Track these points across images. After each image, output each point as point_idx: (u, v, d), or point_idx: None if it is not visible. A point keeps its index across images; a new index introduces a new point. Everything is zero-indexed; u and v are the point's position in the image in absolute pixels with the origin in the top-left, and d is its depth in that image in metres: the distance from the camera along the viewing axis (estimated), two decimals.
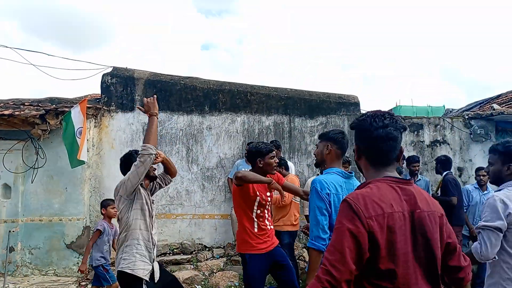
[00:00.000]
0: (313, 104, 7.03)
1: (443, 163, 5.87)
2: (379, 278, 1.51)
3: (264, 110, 6.94)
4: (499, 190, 2.55)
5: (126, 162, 3.22)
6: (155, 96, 3.14)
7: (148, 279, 3.08)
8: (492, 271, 2.45)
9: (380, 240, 1.49)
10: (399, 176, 1.66)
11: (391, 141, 1.66)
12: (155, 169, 3.34)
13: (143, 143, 2.98)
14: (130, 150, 3.42)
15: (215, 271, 5.99)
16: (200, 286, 5.74)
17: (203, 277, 5.89)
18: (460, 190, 5.58)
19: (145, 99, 3.11)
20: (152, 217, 3.19)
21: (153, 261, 3.17)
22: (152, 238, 3.15)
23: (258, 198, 3.40)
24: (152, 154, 2.93)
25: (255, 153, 3.47)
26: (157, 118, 3.11)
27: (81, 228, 6.27)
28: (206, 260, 6.28)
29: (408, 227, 1.55)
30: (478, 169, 5.79)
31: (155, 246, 3.23)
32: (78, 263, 6.21)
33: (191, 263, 6.20)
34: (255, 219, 3.42)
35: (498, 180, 2.58)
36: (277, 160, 3.64)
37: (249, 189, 3.38)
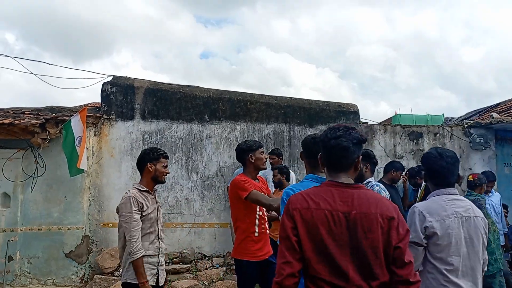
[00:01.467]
0: (313, 112, 7.05)
1: (419, 173, 5.76)
2: (309, 265, 1.72)
3: (264, 119, 6.95)
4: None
5: (140, 158, 3.24)
6: None
7: (154, 283, 3.06)
8: None
9: (300, 229, 1.73)
10: (345, 182, 1.82)
11: (342, 151, 1.83)
12: (168, 173, 3.30)
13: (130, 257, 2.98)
14: (149, 148, 3.32)
15: (214, 280, 5.96)
16: None
17: (203, 287, 5.86)
18: None
19: None
20: (158, 222, 3.18)
21: (159, 265, 3.14)
22: (159, 241, 3.15)
23: None
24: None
25: (246, 149, 3.48)
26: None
27: (80, 237, 6.25)
28: (206, 269, 6.25)
29: (339, 225, 1.71)
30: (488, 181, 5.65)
31: (162, 251, 3.19)
32: (77, 272, 6.18)
33: (191, 272, 6.16)
34: (257, 222, 3.41)
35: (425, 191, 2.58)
36: (267, 156, 3.67)
37: None
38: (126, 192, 3.11)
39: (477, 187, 4.72)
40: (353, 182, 1.85)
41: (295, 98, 7.24)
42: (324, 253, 1.71)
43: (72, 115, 6.05)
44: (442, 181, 2.45)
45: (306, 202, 1.77)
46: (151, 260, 3.06)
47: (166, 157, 3.26)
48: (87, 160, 6.21)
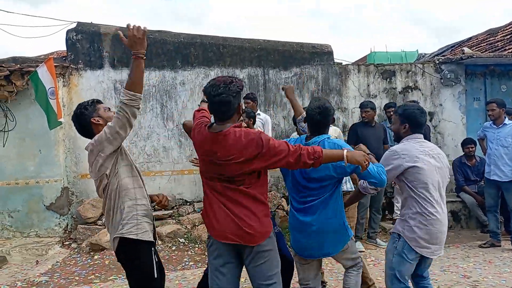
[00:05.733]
0: (287, 55, 6.96)
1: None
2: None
3: (238, 63, 6.84)
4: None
5: (80, 120, 2.71)
6: (145, 27, 2.41)
7: (153, 240, 2.71)
8: (403, 204, 2.94)
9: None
10: (219, 129, 2.36)
11: (225, 105, 2.31)
12: (112, 114, 2.74)
13: (127, 89, 2.46)
14: (78, 107, 2.75)
15: (197, 224, 6.14)
16: (183, 239, 5.90)
17: (186, 231, 6.04)
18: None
19: (130, 26, 2.40)
20: (140, 173, 2.84)
21: (154, 219, 2.80)
22: (148, 195, 2.80)
23: None
24: (139, 106, 2.51)
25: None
26: (143, 60, 2.43)
27: (59, 190, 6.25)
28: (188, 214, 6.41)
29: (209, 159, 2.43)
30: (487, 103, 5.74)
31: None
32: (59, 223, 6.26)
33: (173, 218, 6.32)
34: None
35: (398, 138, 3.03)
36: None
37: None
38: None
39: None
40: (225, 129, 2.34)
41: (269, 41, 7.10)
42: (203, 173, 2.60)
43: (38, 66, 5.81)
44: (420, 130, 2.98)
45: (199, 139, 2.53)
46: (149, 213, 2.72)
47: (100, 102, 2.82)
48: None
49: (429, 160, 2.83)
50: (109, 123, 2.53)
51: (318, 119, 2.82)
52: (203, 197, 2.63)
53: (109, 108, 2.82)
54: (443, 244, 2.87)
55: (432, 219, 2.76)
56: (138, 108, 2.51)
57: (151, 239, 2.67)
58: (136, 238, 2.59)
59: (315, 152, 2.35)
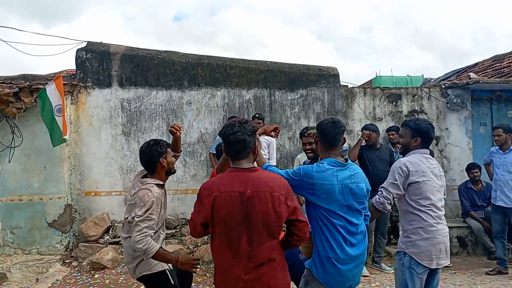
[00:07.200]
0: (293, 76, 7.01)
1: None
2: (214, 237, 2.31)
3: (244, 84, 6.89)
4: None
5: (151, 153, 2.94)
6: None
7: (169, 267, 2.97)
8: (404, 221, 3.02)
9: (208, 211, 2.25)
10: (242, 167, 2.29)
11: (239, 143, 2.28)
12: (175, 161, 3.11)
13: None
14: (153, 142, 3.00)
15: (199, 244, 6.08)
16: None
17: (188, 251, 5.97)
18: None
19: None
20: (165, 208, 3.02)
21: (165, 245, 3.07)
22: (164, 233, 3.05)
23: None
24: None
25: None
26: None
27: (62, 207, 6.23)
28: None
29: (236, 203, 2.20)
30: (494, 128, 5.64)
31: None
32: (61, 241, 6.22)
33: (176, 237, 6.26)
34: None
35: (406, 151, 3.05)
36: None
37: None
38: (148, 189, 2.82)
39: None
40: (251, 166, 2.32)
41: (275, 62, 7.17)
42: (219, 224, 2.23)
43: (47, 83, 5.89)
44: (429, 145, 3.04)
45: (211, 189, 2.26)
46: (162, 244, 2.99)
47: (169, 146, 3.06)
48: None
49: (432, 177, 2.92)
50: (144, 224, 2.76)
51: (331, 128, 2.62)
52: None
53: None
54: (448, 254, 2.90)
55: (434, 230, 2.83)
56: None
57: (164, 266, 2.92)
58: (149, 273, 2.89)
59: None
